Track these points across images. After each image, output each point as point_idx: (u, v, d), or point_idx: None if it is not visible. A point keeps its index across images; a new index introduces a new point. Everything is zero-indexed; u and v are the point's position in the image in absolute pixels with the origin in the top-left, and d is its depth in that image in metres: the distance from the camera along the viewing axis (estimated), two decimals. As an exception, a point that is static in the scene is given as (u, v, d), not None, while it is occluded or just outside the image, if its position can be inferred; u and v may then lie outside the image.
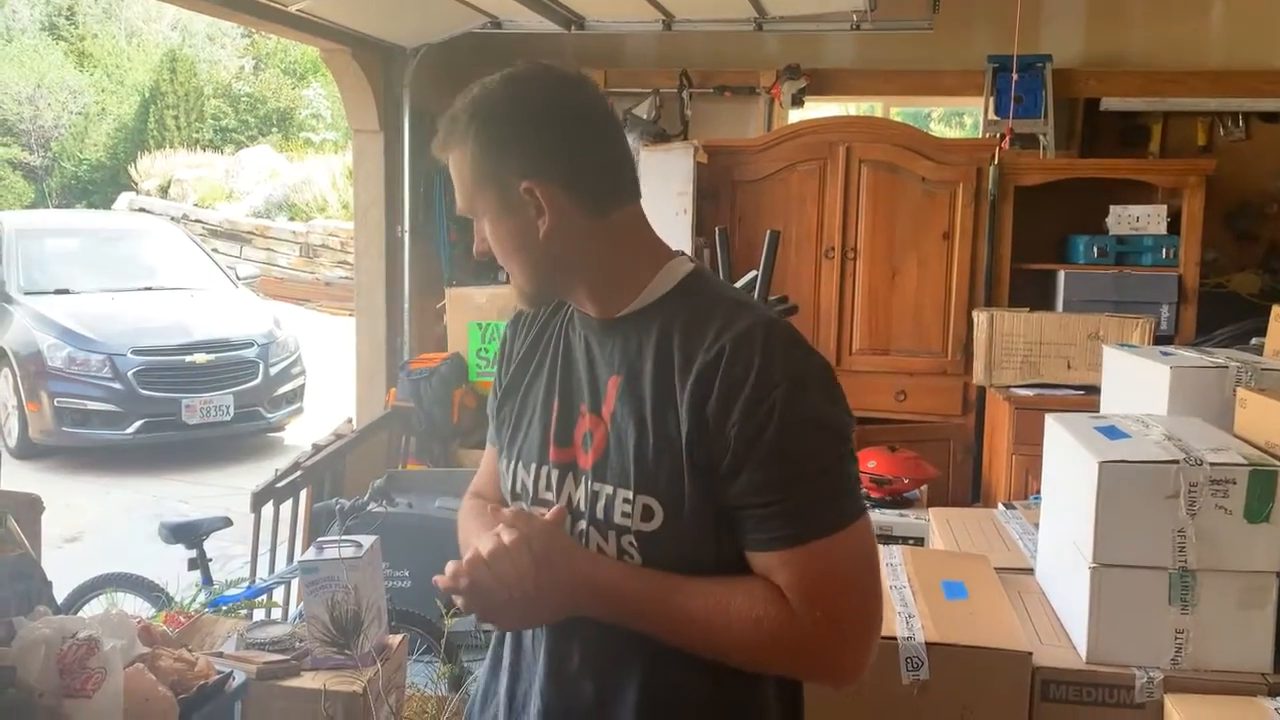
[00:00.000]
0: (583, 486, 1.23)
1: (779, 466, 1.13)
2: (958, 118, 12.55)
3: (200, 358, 7.07)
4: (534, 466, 1.29)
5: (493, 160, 1.22)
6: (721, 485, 1.15)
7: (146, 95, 18.05)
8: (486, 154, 1.22)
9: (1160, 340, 4.12)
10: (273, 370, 7.38)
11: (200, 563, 3.46)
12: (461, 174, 1.24)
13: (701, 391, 1.14)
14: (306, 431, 6.69)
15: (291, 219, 14.24)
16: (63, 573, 3.37)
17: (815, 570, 1.13)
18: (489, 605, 1.17)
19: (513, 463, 1.32)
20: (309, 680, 2.26)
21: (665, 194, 4.61)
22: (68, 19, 20.08)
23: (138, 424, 6.84)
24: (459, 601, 1.19)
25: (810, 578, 1.13)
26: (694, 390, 1.15)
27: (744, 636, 1.14)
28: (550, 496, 1.26)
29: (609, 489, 1.20)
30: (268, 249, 13.70)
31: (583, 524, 1.22)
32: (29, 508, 2.25)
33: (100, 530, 5.56)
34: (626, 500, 1.18)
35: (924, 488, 4.03)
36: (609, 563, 1.20)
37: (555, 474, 1.26)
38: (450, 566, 1.18)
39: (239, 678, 2.04)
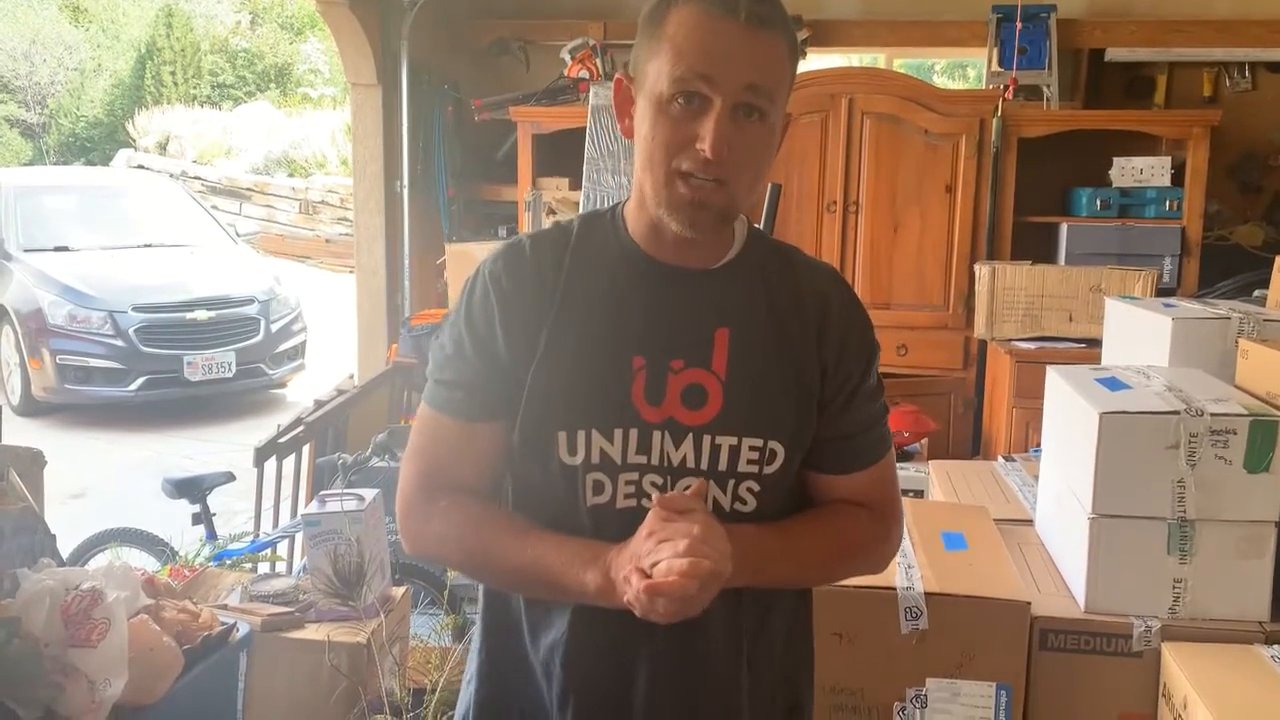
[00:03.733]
0: (689, 443, 1.19)
1: (877, 397, 1.30)
2: (961, 70, 12.43)
3: (201, 314, 7.07)
4: (617, 431, 1.19)
5: (793, 72, 1.19)
6: (831, 418, 1.26)
7: (143, 51, 17.90)
8: (794, 63, 1.19)
9: (1163, 293, 4.11)
10: (274, 327, 7.38)
11: (204, 517, 3.48)
12: (776, 63, 1.15)
13: (821, 334, 1.24)
14: (309, 388, 6.70)
15: (291, 175, 14.17)
16: (67, 529, 3.38)
17: (889, 478, 1.33)
18: (700, 599, 1.07)
19: (576, 430, 1.19)
20: (313, 632, 2.28)
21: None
22: (62, -27, 19.84)
23: (140, 381, 6.85)
24: (664, 607, 1.06)
25: (888, 484, 1.33)
26: (816, 333, 1.24)
27: (856, 554, 1.31)
28: (643, 460, 1.19)
29: (732, 440, 1.20)
30: (267, 206, 13.65)
31: (690, 481, 1.19)
32: (31, 462, 2.26)
33: (104, 486, 5.59)
34: (754, 448, 1.21)
35: (924, 441, 4.04)
36: (744, 528, 1.19)
37: (650, 435, 1.19)
38: (671, 566, 1.05)
39: (243, 629, 2.06)
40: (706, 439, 1.19)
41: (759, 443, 1.21)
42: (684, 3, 1.14)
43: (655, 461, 1.19)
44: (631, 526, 1.14)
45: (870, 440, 1.30)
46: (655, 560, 1.07)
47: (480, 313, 1.22)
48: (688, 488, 1.17)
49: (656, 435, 1.19)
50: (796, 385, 1.23)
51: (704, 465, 1.20)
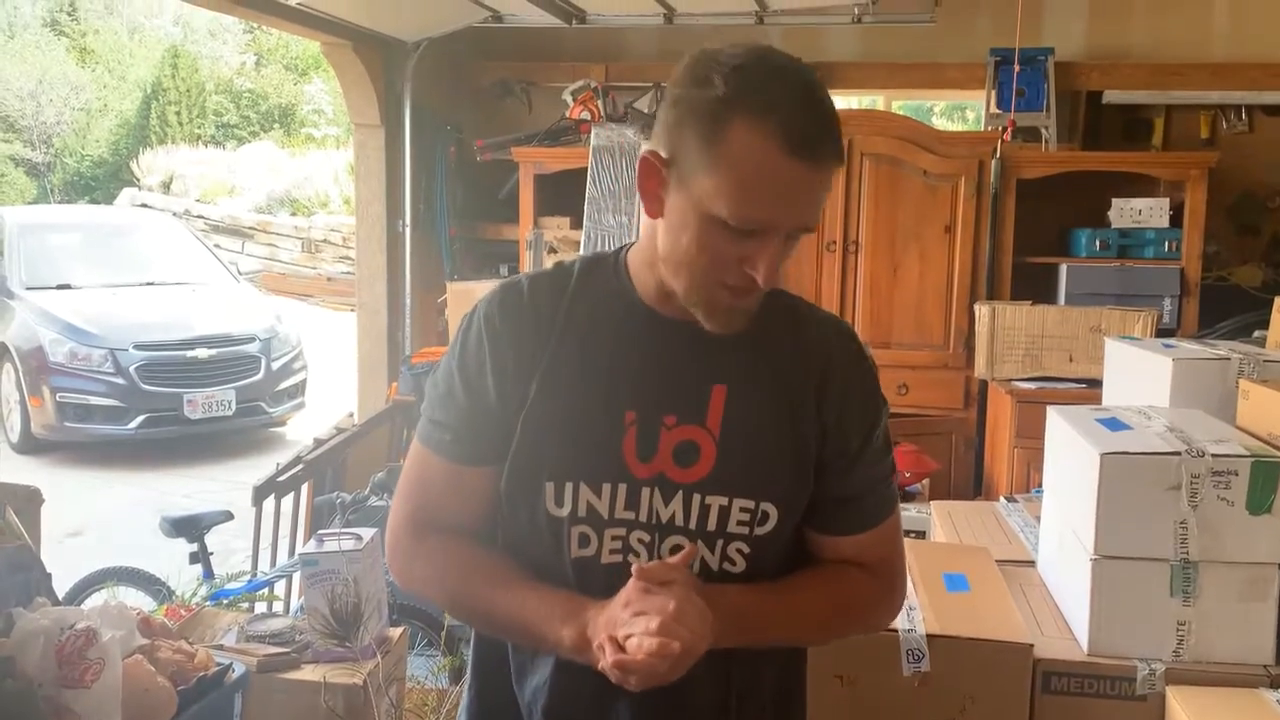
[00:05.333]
0: (678, 501, 1.17)
1: (883, 458, 1.26)
2: (960, 111, 12.53)
3: (202, 353, 7.07)
4: (605, 485, 1.17)
5: None
6: (833, 480, 1.23)
7: (148, 91, 18.07)
8: None
9: (1163, 333, 4.11)
10: (274, 365, 7.38)
11: (201, 556, 3.46)
12: (826, 190, 1.12)
13: (821, 393, 1.21)
14: (308, 426, 6.69)
15: (293, 214, 14.25)
16: (65, 567, 3.37)
17: (893, 538, 1.29)
18: (670, 675, 1.06)
19: (564, 482, 1.17)
20: (309, 673, 2.26)
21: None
22: (69, 15, 20.09)
23: (140, 419, 6.84)
24: (636, 681, 1.06)
25: (891, 545, 1.29)
26: (817, 391, 1.21)
27: (855, 616, 1.28)
28: (630, 516, 1.17)
29: (723, 500, 1.18)
30: (270, 244, 13.71)
31: (678, 538, 1.17)
32: (28, 500, 2.25)
33: (102, 525, 5.56)
34: (745, 509, 1.18)
35: (926, 481, 4.02)
36: (736, 589, 1.18)
37: (639, 491, 1.17)
38: (641, 644, 1.04)
39: (239, 670, 2.03)
40: (696, 498, 1.17)
41: (750, 504, 1.18)
42: (752, 121, 1.06)
43: (643, 518, 1.17)
44: (616, 582, 1.13)
45: (874, 502, 1.26)
46: (629, 633, 1.06)
47: (473, 354, 1.20)
48: (676, 550, 1.16)
49: (645, 491, 1.17)
50: (794, 446, 1.20)
51: (693, 524, 1.18)
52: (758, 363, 1.20)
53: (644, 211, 1.17)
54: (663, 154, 1.12)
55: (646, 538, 1.17)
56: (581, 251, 4.76)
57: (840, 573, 1.26)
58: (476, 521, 1.24)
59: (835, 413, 1.21)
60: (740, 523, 1.18)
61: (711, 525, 1.18)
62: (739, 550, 1.19)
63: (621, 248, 1.26)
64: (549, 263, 4.90)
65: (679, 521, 1.17)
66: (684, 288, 1.14)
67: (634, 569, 1.10)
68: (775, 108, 1.05)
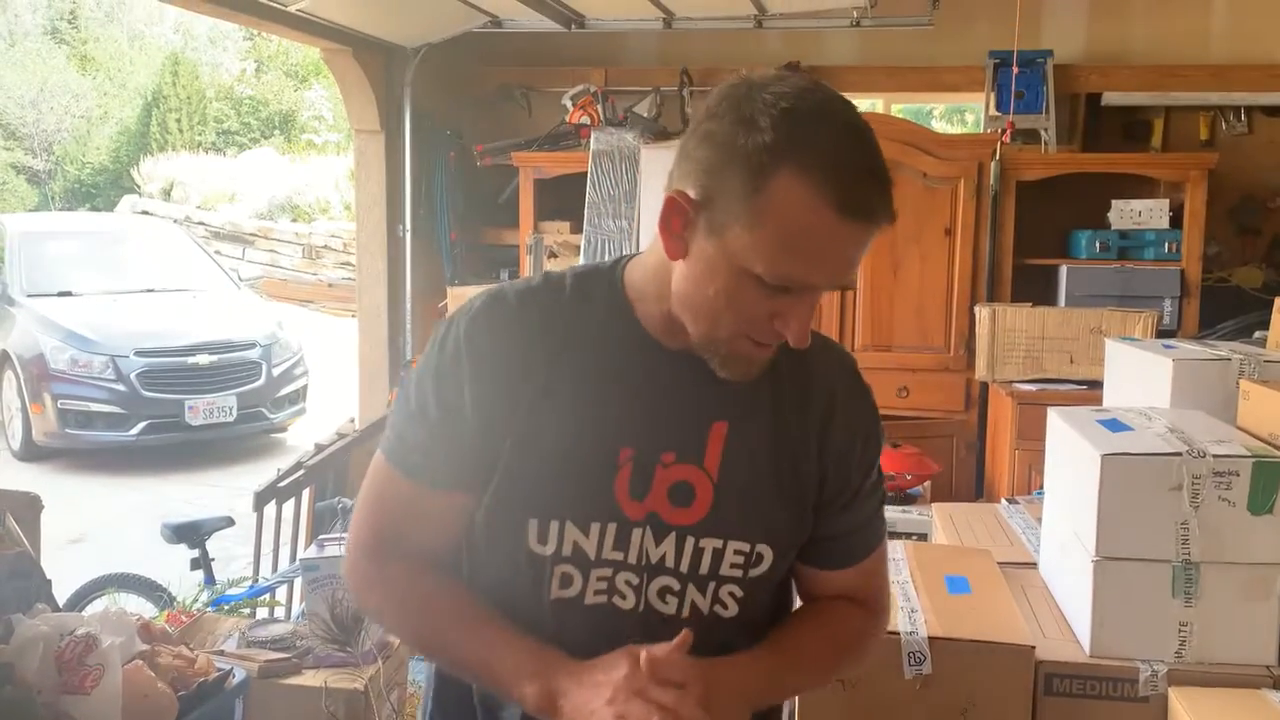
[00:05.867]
0: (670, 542, 1.11)
1: (876, 492, 1.25)
2: (959, 114, 12.53)
3: (203, 359, 7.08)
4: (594, 525, 1.10)
5: None
6: (829, 519, 1.20)
7: (149, 98, 18.09)
8: None
9: (1163, 334, 4.10)
10: (275, 371, 7.39)
11: (203, 562, 3.45)
12: (869, 245, 1.04)
13: (824, 436, 1.17)
14: (310, 432, 6.69)
15: (294, 220, 14.26)
16: (66, 574, 3.37)
17: (880, 570, 1.28)
18: None
19: (549, 520, 1.10)
20: (310, 678, 2.26)
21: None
22: (70, 23, 20.12)
23: (141, 425, 6.84)
24: None
25: (879, 576, 1.28)
26: (820, 431, 1.17)
27: (852, 656, 1.26)
28: (619, 556, 1.10)
29: (717, 543, 1.13)
30: (271, 251, 13.71)
31: (668, 580, 1.12)
32: (28, 506, 2.25)
33: (104, 531, 5.56)
34: (739, 552, 1.14)
35: (927, 483, 4.02)
36: (746, 662, 1.12)
37: (630, 531, 1.10)
38: None
39: (239, 675, 2.03)
40: (690, 540, 1.12)
41: (745, 547, 1.14)
42: (803, 175, 0.97)
43: (633, 560, 1.11)
44: (598, 623, 1.09)
45: (867, 536, 1.24)
46: None
47: (450, 373, 1.10)
48: (664, 592, 1.11)
49: (637, 532, 1.10)
50: (793, 488, 1.16)
51: (684, 567, 1.12)
52: (760, 399, 1.14)
53: (664, 250, 1.06)
54: (692, 195, 1.02)
55: (634, 579, 1.11)
56: (581, 256, 4.75)
57: (835, 613, 1.24)
58: (441, 549, 1.16)
59: (837, 453, 1.18)
60: (734, 565, 1.14)
61: (704, 569, 1.13)
62: (731, 593, 1.15)
63: (617, 262, 1.17)
64: (548, 267, 4.90)
65: (669, 563, 1.12)
66: (702, 334, 1.07)
67: (642, 659, 1.01)
68: (829, 161, 0.97)
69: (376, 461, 1.17)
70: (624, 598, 1.12)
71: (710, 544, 1.12)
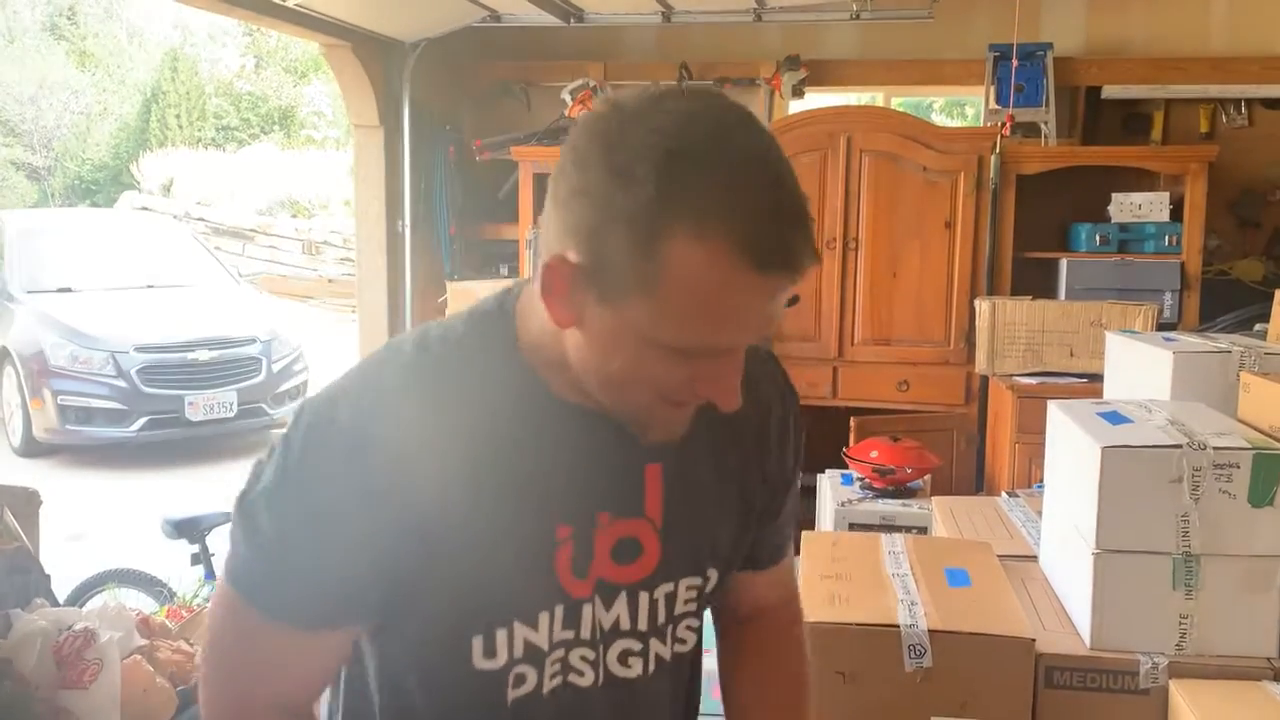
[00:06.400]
0: (622, 602, 1.01)
1: (796, 480, 1.17)
2: (959, 108, 12.52)
3: (203, 355, 7.07)
4: (542, 615, 0.97)
5: None
6: (767, 519, 1.14)
7: (148, 94, 18.07)
8: None
9: (1163, 327, 4.10)
10: (275, 367, 7.38)
11: (203, 557, 3.45)
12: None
13: (763, 435, 1.09)
14: (309, 428, 6.68)
15: (294, 216, 14.25)
16: (67, 570, 3.37)
17: (792, 565, 1.25)
18: None
19: (495, 629, 0.95)
20: (310, 673, 2.25)
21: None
22: (69, 19, 20.08)
23: (141, 421, 6.84)
24: None
25: (793, 571, 1.25)
26: (757, 437, 1.09)
27: (807, 682, 1.23)
28: (569, 635, 0.99)
29: (669, 586, 1.04)
30: (270, 247, 13.70)
31: (626, 643, 1.02)
32: (26, 501, 2.25)
33: (104, 527, 5.56)
34: (691, 587, 1.06)
35: (927, 477, 4.02)
36: None
37: (579, 609, 0.99)
38: None
39: (239, 670, 2.03)
40: (643, 595, 1.02)
41: (697, 580, 1.06)
42: (700, 232, 0.81)
43: (585, 634, 0.99)
44: (560, 709, 1.00)
45: (788, 529, 1.20)
46: None
47: (326, 484, 0.89)
48: (625, 655, 1.02)
49: (587, 608, 0.99)
50: (738, 504, 1.08)
51: (641, 624, 1.03)
52: (696, 429, 0.99)
53: (552, 319, 0.89)
54: (574, 259, 0.85)
55: (590, 654, 1.01)
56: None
57: (782, 653, 1.22)
58: (315, 693, 1.00)
59: (775, 453, 1.11)
60: (688, 601, 1.06)
61: (661, 618, 1.04)
62: (688, 626, 1.08)
63: (503, 306, 0.99)
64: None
65: (624, 625, 1.02)
66: (613, 404, 0.93)
67: None
68: (726, 210, 0.80)
69: (230, 602, 0.95)
70: (581, 674, 1.01)
71: (663, 590, 1.03)
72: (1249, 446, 1.84)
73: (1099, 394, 2.83)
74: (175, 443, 7.00)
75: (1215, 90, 5.03)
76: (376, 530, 0.89)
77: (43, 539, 2.53)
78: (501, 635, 0.95)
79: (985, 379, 4.42)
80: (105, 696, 1.62)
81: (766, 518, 1.14)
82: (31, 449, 6.99)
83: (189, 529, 3.46)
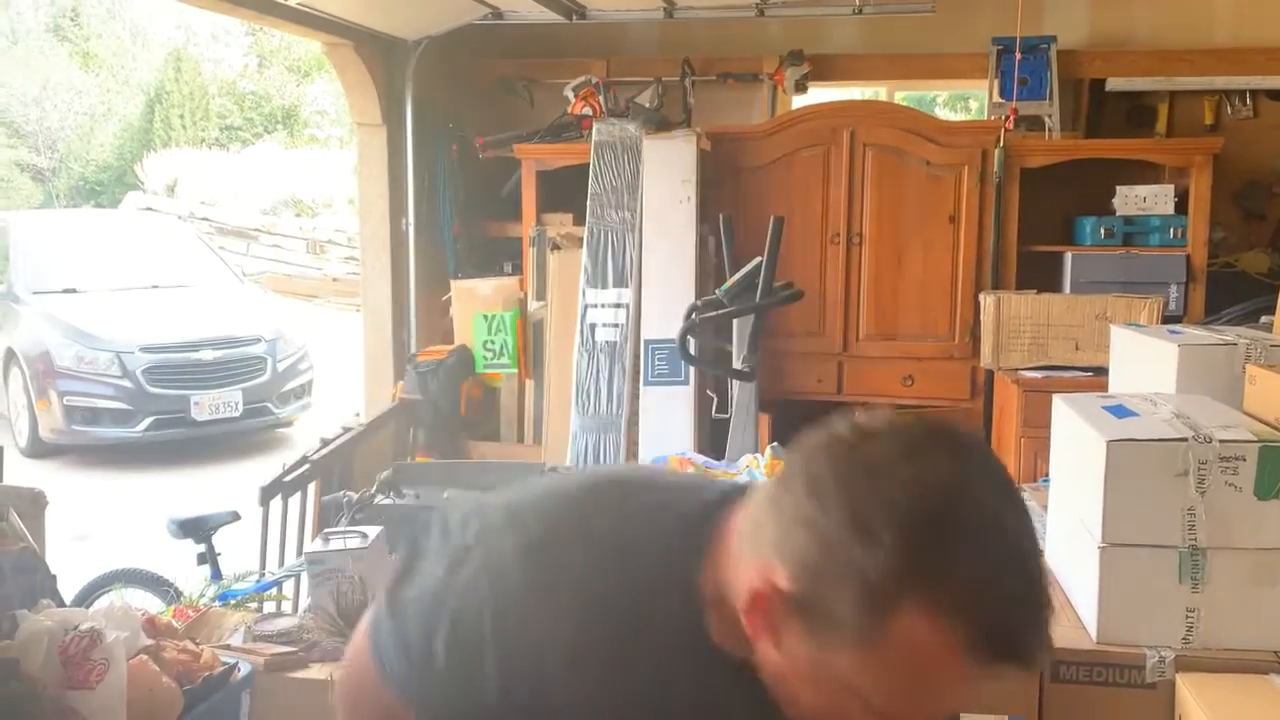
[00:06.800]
0: None
1: None
2: (963, 101, 12.50)
3: (208, 354, 7.09)
4: None
5: None
6: None
7: (151, 95, 18.10)
8: None
9: (1169, 320, 4.09)
10: (280, 366, 7.39)
11: (209, 557, 3.45)
12: None
13: None
14: (316, 427, 6.69)
15: (298, 215, 14.26)
16: (74, 570, 3.38)
17: None
18: None
19: None
20: (316, 671, 2.26)
21: (668, 182, 4.60)
22: (72, 20, 20.12)
23: (147, 421, 6.85)
24: None
25: None
26: None
27: None
28: None
29: None
30: (275, 246, 13.71)
31: None
32: (32, 502, 2.25)
33: (110, 528, 5.57)
34: None
35: (933, 472, 4.01)
36: None
37: None
38: None
39: (245, 669, 2.03)
40: None
41: None
42: (937, 615, 0.77)
43: None
44: None
45: None
46: None
47: (466, 639, 0.94)
48: None
49: None
50: None
51: None
52: None
53: (749, 631, 0.87)
54: (785, 588, 0.82)
55: None
56: (584, 248, 4.73)
57: None
58: None
59: None
60: None
61: None
62: None
63: (702, 539, 0.93)
64: (552, 262, 4.89)
65: None
66: (790, 709, 0.89)
67: None
68: (970, 594, 0.77)
69: (361, 658, 1.05)
70: None
71: None
72: (1255, 439, 1.83)
73: (1104, 387, 2.82)
74: (181, 442, 7.01)
75: (1220, 82, 5.00)
76: (495, 689, 0.93)
77: (50, 539, 2.54)
78: None
79: (990, 373, 4.41)
80: (111, 696, 1.62)
81: None
82: (38, 450, 7.00)
83: (195, 529, 3.46)
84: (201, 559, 3.46)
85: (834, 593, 0.79)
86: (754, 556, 0.86)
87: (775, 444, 3.90)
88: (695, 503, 0.96)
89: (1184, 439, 1.84)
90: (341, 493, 3.75)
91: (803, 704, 0.87)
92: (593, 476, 1.04)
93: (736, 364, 4.16)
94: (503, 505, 1.01)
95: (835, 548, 0.79)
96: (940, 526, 0.78)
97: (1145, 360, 2.48)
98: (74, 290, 7.60)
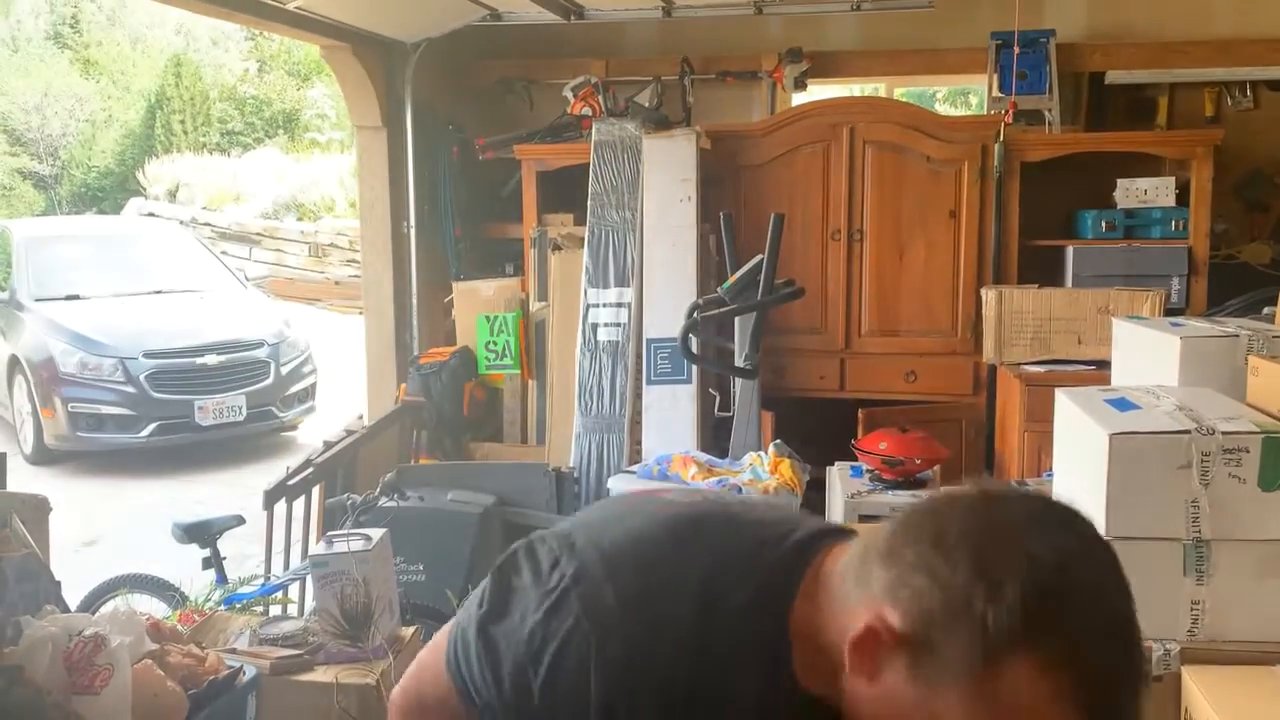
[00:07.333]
0: None
1: None
2: (963, 97, 12.48)
3: (211, 359, 7.09)
4: None
5: None
6: None
7: (152, 101, 18.10)
8: None
9: (1171, 313, 4.09)
10: (284, 370, 7.40)
11: (214, 561, 3.46)
12: None
13: None
14: (319, 430, 6.69)
15: (299, 219, 14.26)
16: (80, 576, 3.39)
17: None
18: None
19: None
20: (322, 674, 2.26)
21: (669, 181, 4.60)
22: (72, 27, 20.14)
23: (151, 426, 6.86)
24: None
25: None
26: None
27: None
28: None
29: None
30: (277, 250, 13.72)
31: None
32: (35, 508, 2.25)
33: (116, 533, 5.58)
34: None
35: (937, 468, 4.00)
36: None
37: None
38: None
39: (250, 672, 2.04)
40: None
41: None
42: (1047, 667, 0.82)
43: None
44: None
45: None
46: None
47: (560, 683, 0.98)
48: None
49: None
50: None
51: None
52: None
53: (849, 665, 0.91)
54: (898, 627, 0.87)
55: None
56: (585, 248, 4.73)
57: None
58: None
59: None
60: None
61: None
62: None
63: (794, 576, 0.98)
64: (553, 262, 4.89)
65: None
66: None
67: None
68: (1081, 659, 0.83)
69: (432, 658, 1.13)
70: None
71: None
72: (1258, 430, 1.83)
73: (1107, 381, 2.82)
74: (185, 447, 7.02)
75: (1220, 73, 5.00)
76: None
77: (55, 546, 2.54)
78: None
79: (993, 368, 4.40)
80: (116, 701, 1.62)
81: None
82: (43, 457, 7.01)
83: (200, 533, 3.47)
84: (206, 563, 3.46)
85: (951, 635, 0.84)
86: (864, 596, 0.90)
87: (778, 441, 3.90)
88: (791, 544, 1.01)
89: (1187, 431, 1.83)
90: (345, 495, 3.75)
91: None
92: (685, 515, 1.06)
93: (739, 362, 4.16)
94: (594, 546, 1.02)
95: (957, 599, 0.84)
96: (1058, 590, 0.84)
97: (1148, 353, 2.47)
98: (77, 296, 7.61)
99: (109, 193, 17.49)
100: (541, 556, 1.04)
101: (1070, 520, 0.90)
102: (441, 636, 1.12)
